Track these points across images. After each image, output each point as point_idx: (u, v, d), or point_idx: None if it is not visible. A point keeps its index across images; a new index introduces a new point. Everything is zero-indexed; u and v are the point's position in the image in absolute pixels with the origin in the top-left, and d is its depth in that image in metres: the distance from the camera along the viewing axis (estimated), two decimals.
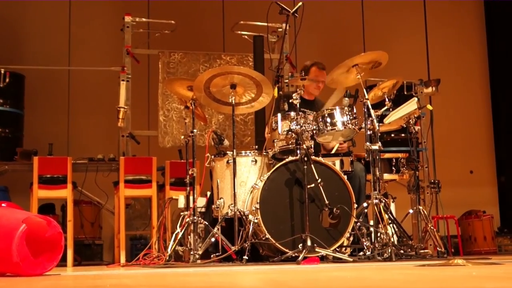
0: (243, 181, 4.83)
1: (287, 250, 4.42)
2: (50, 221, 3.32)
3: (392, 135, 6.68)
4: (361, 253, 4.57)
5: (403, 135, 6.45)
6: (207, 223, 4.83)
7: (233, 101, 4.83)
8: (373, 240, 4.57)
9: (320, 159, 4.72)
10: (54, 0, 8.66)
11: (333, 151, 5.38)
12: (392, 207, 5.48)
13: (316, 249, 4.30)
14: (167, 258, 4.76)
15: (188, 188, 4.95)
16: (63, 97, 8.51)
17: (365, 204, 4.72)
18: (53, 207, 7.36)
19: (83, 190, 7.12)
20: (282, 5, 5.04)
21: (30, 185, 6.19)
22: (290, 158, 4.65)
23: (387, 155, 5.63)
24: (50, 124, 8.28)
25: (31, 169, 6.13)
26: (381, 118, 5.22)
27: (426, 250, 4.92)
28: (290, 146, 4.71)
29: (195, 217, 4.76)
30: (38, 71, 8.01)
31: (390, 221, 4.75)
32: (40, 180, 6.09)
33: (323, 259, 4.41)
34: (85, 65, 8.19)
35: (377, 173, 4.69)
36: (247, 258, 4.39)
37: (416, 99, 5.39)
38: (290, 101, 4.70)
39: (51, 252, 3.32)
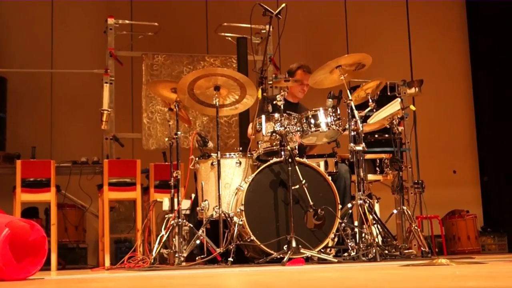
0: (228, 183, 4.83)
1: (272, 252, 4.42)
2: (34, 225, 3.30)
3: (376, 135, 6.70)
4: (346, 253, 4.58)
5: (386, 135, 6.47)
6: (192, 226, 4.82)
7: (217, 103, 4.83)
8: (357, 241, 4.58)
9: (305, 160, 4.72)
10: (36, 2, 8.62)
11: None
12: (377, 207, 5.49)
13: (301, 251, 4.31)
14: (152, 261, 4.75)
15: (172, 190, 4.94)
16: (46, 100, 8.46)
17: (349, 205, 4.73)
18: (37, 211, 7.32)
19: (67, 194, 7.09)
20: (266, 6, 5.05)
21: (13, 189, 6.14)
22: (275, 159, 4.65)
23: (371, 156, 5.65)
24: (33, 127, 8.23)
25: (14, 172, 6.09)
26: (364, 119, 5.24)
27: (410, 250, 4.94)
28: (275, 147, 4.72)
29: (179, 220, 4.75)
30: (20, 74, 7.97)
31: (374, 222, 4.77)
32: (23, 183, 6.05)
33: (308, 260, 4.41)
34: (68, 68, 8.14)
35: (361, 173, 4.71)
36: (232, 260, 4.39)
37: (399, 99, 5.42)
38: (274, 102, 4.71)
39: (35, 256, 3.30)
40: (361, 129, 4.72)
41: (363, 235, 4.58)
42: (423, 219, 7.24)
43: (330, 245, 4.68)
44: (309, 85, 5.36)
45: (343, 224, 4.63)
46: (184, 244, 4.73)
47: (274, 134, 4.67)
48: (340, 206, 4.66)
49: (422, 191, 6.10)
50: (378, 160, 5.66)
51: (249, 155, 4.94)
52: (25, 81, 8.21)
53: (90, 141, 7.79)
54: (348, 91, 4.82)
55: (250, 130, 5.24)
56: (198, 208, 4.86)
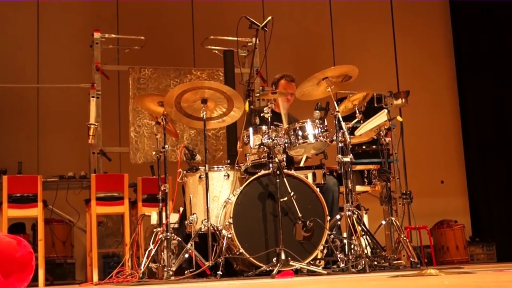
0: (216, 196, 4.82)
1: (261, 264, 4.40)
2: (21, 241, 3.27)
3: (364, 147, 6.71)
4: (335, 265, 4.57)
5: (374, 146, 6.49)
6: (180, 239, 4.80)
7: (204, 116, 4.82)
8: (346, 252, 4.58)
9: (293, 172, 4.72)
10: (21, 16, 8.59)
11: (301, 164, 5.40)
12: (365, 218, 5.49)
13: (290, 263, 4.29)
14: (141, 275, 4.71)
15: (160, 204, 4.92)
16: (32, 114, 8.42)
17: (338, 216, 4.73)
18: (24, 227, 7.26)
19: (54, 209, 7.04)
20: (252, 19, 5.06)
21: None
22: (263, 172, 4.65)
23: (359, 167, 5.67)
24: (19, 142, 8.19)
25: (0, 188, 6.05)
26: (352, 130, 5.25)
27: (399, 261, 4.94)
28: (262, 160, 4.72)
29: (168, 233, 4.72)
30: (6, 89, 7.93)
31: (363, 233, 4.77)
32: (10, 199, 6.00)
33: (297, 272, 4.40)
34: (54, 82, 8.11)
35: (349, 185, 4.71)
36: (221, 273, 4.37)
37: (386, 111, 5.44)
38: (262, 115, 4.71)
39: (22, 272, 3.27)
40: (348, 140, 4.73)
41: (352, 246, 4.57)
42: (412, 229, 7.26)
43: (319, 257, 4.67)
44: (294, 94, 5.36)
45: (332, 236, 4.62)
46: (173, 258, 4.71)
47: (261, 146, 4.67)
48: (328, 218, 4.66)
49: (410, 202, 6.11)
50: (366, 171, 5.68)
51: (237, 167, 4.94)
52: (11, 96, 8.17)
53: (77, 156, 7.75)
54: (335, 103, 4.83)
55: (239, 144, 5.23)
56: (186, 222, 4.84)
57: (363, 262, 4.41)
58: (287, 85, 5.57)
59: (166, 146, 4.96)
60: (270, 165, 4.58)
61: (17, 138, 8.21)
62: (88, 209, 6.37)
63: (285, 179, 4.46)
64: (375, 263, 4.63)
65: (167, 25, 9.04)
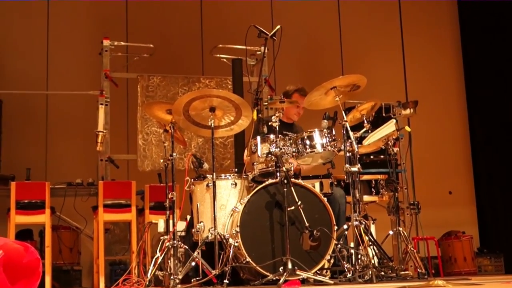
0: (223, 204, 4.81)
1: (267, 274, 4.39)
2: (28, 247, 3.28)
3: (371, 156, 6.69)
4: (342, 275, 4.56)
5: (382, 156, 6.47)
6: (187, 247, 4.79)
7: (212, 124, 4.82)
8: (353, 262, 4.56)
9: (300, 181, 4.72)
10: (31, 22, 8.64)
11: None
12: (372, 228, 5.49)
13: (297, 272, 4.28)
14: (147, 283, 4.72)
15: (167, 212, 4.92)
16: (41, 121, 8.45)
17: (345, 226, 4.72)
18: (31, 233, 7.27)
19: (62, 215, 7.05)
20: (261, 28, 5.07)
21: (7, 211, 6.11)
22: (270, 180, 4.64)
23: (366, 177, 5.65)
24: (28, 148, 8.21)
25: (8, 194, 6.06)
26: (360, 140, 5.25)
27: (406, 272, 4.92)
28: (270, 168, 4.71)
29: (175, 241, 4.72)
30: (15, 96, 7.96)
31: (370, 243, 4.75)
32: (18, 205, 6.01)
33: (304, 282, 4.39)
34: (63, 89, 8.14)
35: (357, 195, 4.70)
36: (227, 282, 4.36)
37: (394, 120, 5.43)
38: (270, 123, 4.71)
39: (29, 278, 3.27)
40: (356, 150, 4.72)
41: (359, 256, 4.56)
42: (419, 240, 7.23)
43: (326, 266, 4.66)
44: (304, 108, 5.37)
45: (339, 246, 4.61)
46: (180, 266, 4.70)
47: (269, 155, 4.67)
48: (335, 228, 4.64)
49: (418, 212, 6.10)
50: (373, 181, 5.66)
51: (244, 176, 4.93)
52: (21, 103, 8.20)
53: (85, 163, 7.77)
54: (343, 112, 4.83)
55: (246, 153, 5.23)
56: (193, 230, 4.84)
57: (370, 272, 4.40)
58: (300, 98, 5.51)
59: (174, 154, 4.97)
60: (278, 174, 4.58)
61: (26, 145, 8.23)
62: (95, 216, 6.38)
63: (292, 188, 4.46)
64: (382, 273, 4.62)
65: (176, 33, 9.07)
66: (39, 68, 8.55)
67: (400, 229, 5.25)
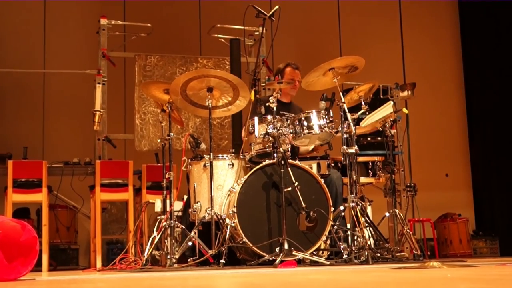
0: (220, 184, 4.82)
1: (264, 254, 4.41)
2: (25, 226, 3.29)
3: (369, 138, 6.69)
4: (338, 256, 4.58)
5: (379, 138, 6.48)
6: (184, 227, 4.81)
7: (210, 104, 4.82)
8: (350, 243, 4.58)
9: (297, 162, 4.72)
10: (28, 2, 8.59)
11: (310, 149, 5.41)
12: (369, 210, 5.50)
13: (293, 253, 4.31)
14: (144, 262, 4.73)
15: (164, 192, 4.92)
16: (38, 100, 8.43)
17: (342, 208, 4.73)
18: (28, 212, 7.28)
19: (59, 194, 7.06)
20: (259, 8, 5.04)
21: (4, 189, 6.11)
22: (267, 161, 4.65)
23: (363, 159, 5.66)
24: (25, 127, 8.20)
25: (5, 173, 6.07)
26: (357, 122, 5.25)
27: (402, 253, 4.95)
28: (267, 149, 4.72)
29: (172, 221, 4.74)
30: (12, 74, 7.94)
31: (366, 224, 4.77)
32: (15, 184, 6.02)
33: (300, 262, 4.41)
34: (60, 68, 8.11)
35: (354, 176, 4.71)
36: (224, 262, 4.39)
37: (392, 102, 5.44)
38: (267, 104, 4.71)
39: (26, 256, 3.28)
40: (353, 131, 4.73)
41: (355, 237, 4.58)
42: (415, 222, 7.26)
43: (322, 247, 4.68)
44: (300, 81, 5.34)
45: (335, 227, 4.63)
46: (176, 246, 4.72)
47: (266, 136, 4.67)
48: (332, 209, 4.66)
49: (415, 194, 6.11)
50: (370, 163, 5.68)
51: (241, 157, 4.94)
52: (17, 82, 8.17)
53: (82, 142, 7.77)
54: (341, 94, 4.83)
55: (243, 132, 5.23)
56: (190, 210, 4.85)
57: (366, 253, 4.42)
58: (293, 72, 5.55)
59: (171, 134, 4.96)
60: (275, 154, 4.59)
61: (23, 123, 8.22)
62: (92, 195, 6.39)
63: (289, 169, 4.47)
64: (378, 254, 4.64)
65: (174, 13, 9.02)
66: (36, 46, 8.51)
67: (397, 211, 5.27)
